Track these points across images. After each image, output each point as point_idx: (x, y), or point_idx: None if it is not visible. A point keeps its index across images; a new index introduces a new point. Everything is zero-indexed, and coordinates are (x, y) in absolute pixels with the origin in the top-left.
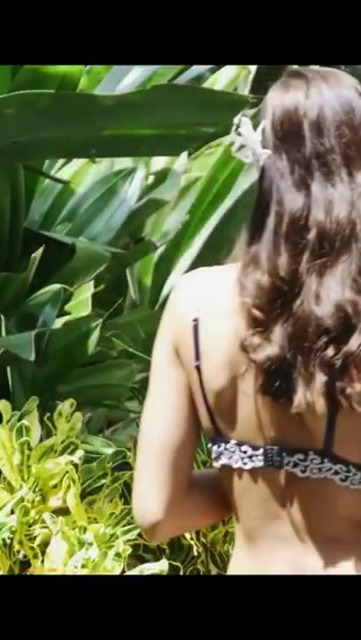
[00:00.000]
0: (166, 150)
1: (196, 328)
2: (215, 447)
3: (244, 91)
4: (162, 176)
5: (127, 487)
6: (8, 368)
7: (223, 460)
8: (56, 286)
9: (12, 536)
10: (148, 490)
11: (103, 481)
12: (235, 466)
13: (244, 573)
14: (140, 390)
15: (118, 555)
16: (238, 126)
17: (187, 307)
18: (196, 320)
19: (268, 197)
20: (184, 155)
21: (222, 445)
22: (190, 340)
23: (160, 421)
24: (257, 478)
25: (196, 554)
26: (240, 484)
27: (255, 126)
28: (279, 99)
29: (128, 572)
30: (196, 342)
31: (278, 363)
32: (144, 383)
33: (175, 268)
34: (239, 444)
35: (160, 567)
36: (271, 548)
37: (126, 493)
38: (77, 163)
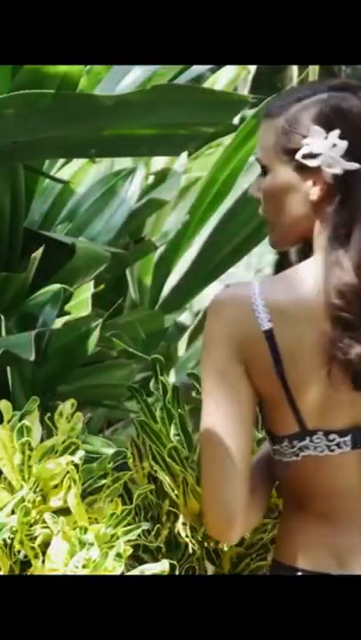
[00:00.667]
0: (166, 150)
1: (270, 337)
2: (297, 442)
3: (244, 91)
4: (162, 176)
5: (127, 488)
6: (8, 368)
7: (307, 452)
8: (56, 286)
9: (12, 536)
10: (233, 495)
11: (104, 481)
12: (322, 454)
13: (324, 558)
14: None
15: (119, 555)
16: (305, 136)
17: (254, 317)
18: (269, 330)
19: (354, 206)
20: (184, 155)
21: (307, 438)
22: (265, 348)
23: (234, 431)
24: (344, 461)
25: (191, 551)
26: (326, 470)
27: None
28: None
29: (128, 573)
30: (274, 350)
31: None
32: (144, 383)
33: (175, 268)
34: (326, 434)
35: (161, 567)
36: (352, 531)
37: (125, 494)
38: (77, 163)
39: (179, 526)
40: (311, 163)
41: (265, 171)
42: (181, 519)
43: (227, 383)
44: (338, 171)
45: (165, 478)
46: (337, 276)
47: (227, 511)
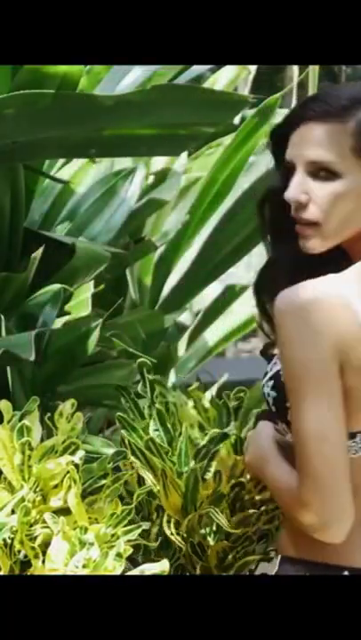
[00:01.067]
0: (166, 150)
1: None
2: None
3: (245, 91)
4: (162, 176)
5: (127, 488)
6: (8, 368)
7: None
8: (56, 286)
9: (12, 536)
10: (341, 494)
11: (104, 481)
12: None
13: None
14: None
15: (119, 555)
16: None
17: (352, 315)
18: None
19: None
20: (184, 155)
21: None
22: None
23: (338, 431)
24: None
25: (177, 548)
26: None
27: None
28: None
29: (139, 569)
30: None
31: None
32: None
33: (175, 268)
34: None
35: (161, 567)
36: None
37: (125, 494)
38: (77, 163)
39: (164, 523)
40: None
41: (328, 174)
42: (166, 516)
43: (329, 383)
44: None
45: (147, 474)
46: None
47: (348, 509)
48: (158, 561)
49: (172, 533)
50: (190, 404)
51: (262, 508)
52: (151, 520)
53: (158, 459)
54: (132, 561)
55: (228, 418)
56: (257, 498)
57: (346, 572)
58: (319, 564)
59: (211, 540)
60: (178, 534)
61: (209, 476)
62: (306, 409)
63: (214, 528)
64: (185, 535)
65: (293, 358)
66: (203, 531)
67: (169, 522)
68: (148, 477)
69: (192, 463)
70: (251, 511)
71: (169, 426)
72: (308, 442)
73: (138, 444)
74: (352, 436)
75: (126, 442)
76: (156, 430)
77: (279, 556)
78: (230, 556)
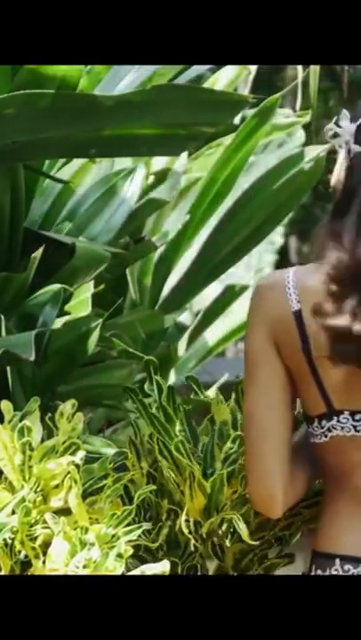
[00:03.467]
0: (166, 150)
1: (299, 317)
2: (325, 422)
3: (245, 91)
4: (162, 176)
5: (126, 488)
6: (8, 368)
7: (335, 432)
8: (56, 286)
9: (13, 536)
10: (270, 471)
11: (104, 481)
12: (348, 434)
13: None
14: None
15: (120, 555)
16: (339, 119)
17: (285, 300)
18: (298, 311)
19: (354, 188)
20: (184, 155)
21: (334, 419)
22: (294, 329)
23: (270, 411)
24: None
25: (193, 549)
26: (354, 450)
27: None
28: None
29: (130, 572)
30: (301, 329)
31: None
32: (143, 383)
33: (175, 268)
34: (352, 414)
35: (162, 568)
36: None
37: (125, 495)
38: (77, 163)
39: (181, 523)
40: (333, 142)
41: None
42: (184, 516)
43: (261, 364)
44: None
45: (170, 473)
46: (333, 251)
47: (269, 487)
48: (170, 560)
49: (190, 532)
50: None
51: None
52: (160, 521)
53: (187, 460)
54: (142, 560)
55: None
56: None
57: (337, 560)
58: (319, 554)
59: (228, 542)
60: (196, 533)
61: (234, 479)
62: (245, 388)
63: (231, 529)
64: (205, 536)
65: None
66: (221, 532)
67: (187, 521)
68: (170, 475)
69: (218, 465)
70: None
71: (194, 425)
72: (243, 418)
73: (168, 446)
74: (310, 420)
75: (155, 440)
76: (182, 431)
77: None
78: (247, 559)
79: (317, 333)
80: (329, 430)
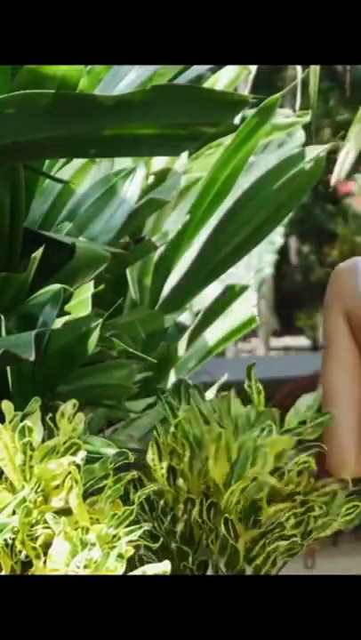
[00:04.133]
0: (166, 150)
1: None
2: None
3: (245, 91)
4: (162, 176)
5: (126, 489)
6: (8, 368)
7: None
8: (56, 286)
9: (14, 536)
10: (344, 442)
11: (105, 482)
12: None
13: None
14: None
15: (121, 555)
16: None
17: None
18: None
19: None
20: (184, 155)
21: None
22: None
23: (344, 385)
24: None
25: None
26: None
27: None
28: None
29: (141, 569)
30: None
31: None
32: (144, 383)
33: (175, 268)
34: None
35: (163, 568)
36: None
37: (124, 494)
38: (77, 163)
39: (204, 506)
40: None
41: None
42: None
43: (338, 341)
44: None
45: (196, 434)
46: None
47: (343, 455)
48: (185, 554)
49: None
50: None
51: (289, 513)
52: (176, 517)
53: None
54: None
55: None
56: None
57: None
58: None
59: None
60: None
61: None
62: (322, 364)
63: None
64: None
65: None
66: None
67: (214, 504)
68: (194, 447)
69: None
70: (282, 506)
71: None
72: (323, 394)
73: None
74: None
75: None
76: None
77: None
78: (258, 547)
79: None
80: None
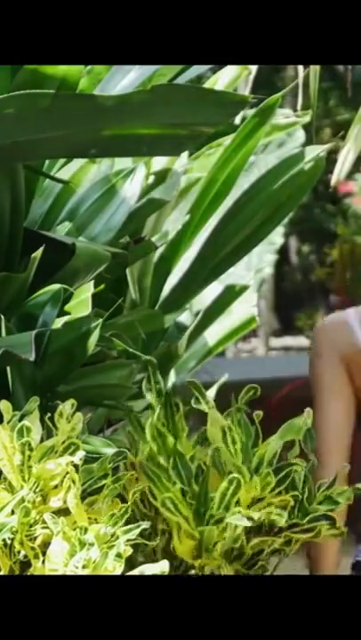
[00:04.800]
0: (166, 150)
1: None
2: None
3: (245, 91)
4: (162, 176)
5: (126, 489)
6: (8, 368)
7: None
8: (56, 286)
9: (12, 536)
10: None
11: (104, 481)
12: None
13: None
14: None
15: (119, 555)
16: None
17: (354, 335)
18: None
19: None
20: (184, 155)
21: None
22: None
23: (339, 429)
24: None
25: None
26: None
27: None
28: None
29: (138, 569)
30: None
31: None
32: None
33: (175, 268)
34: None
35: (161, 568)
36: None
37: (124, 494)
38: (77, 163)
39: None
40: None
41: None
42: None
43: (332, 387)
44: None
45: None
46: None
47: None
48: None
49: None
50: None
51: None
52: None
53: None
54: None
55: None
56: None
57: None
58: None
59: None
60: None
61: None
62: (316, 411)
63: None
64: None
65: (312, 373)
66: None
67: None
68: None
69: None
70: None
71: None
72: (317, 434)
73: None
74: None
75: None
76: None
77: None
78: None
79: None
80: None
